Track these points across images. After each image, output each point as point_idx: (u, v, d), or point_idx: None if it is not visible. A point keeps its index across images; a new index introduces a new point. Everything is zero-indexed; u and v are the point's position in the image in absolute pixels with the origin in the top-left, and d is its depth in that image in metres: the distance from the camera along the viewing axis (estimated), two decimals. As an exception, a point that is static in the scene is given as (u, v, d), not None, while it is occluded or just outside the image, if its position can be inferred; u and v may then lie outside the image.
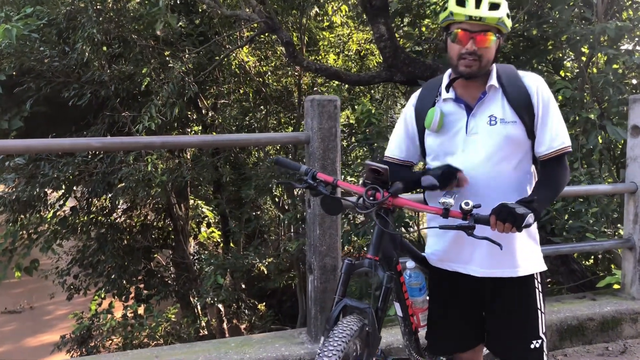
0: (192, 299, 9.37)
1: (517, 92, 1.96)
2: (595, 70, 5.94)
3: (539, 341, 2.02)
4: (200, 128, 9.08)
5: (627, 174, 3.87)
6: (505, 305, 2.04)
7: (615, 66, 5.61)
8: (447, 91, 2.02)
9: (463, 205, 1.79)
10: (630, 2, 5.79)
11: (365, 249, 7.83)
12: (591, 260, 5.85)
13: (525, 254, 2.02)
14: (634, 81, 5.89)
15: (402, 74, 5.51)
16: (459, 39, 1.89)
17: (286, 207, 9.36)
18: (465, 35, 1.87)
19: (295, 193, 8.42)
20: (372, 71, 7.92)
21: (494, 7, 1.84)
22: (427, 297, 2.22)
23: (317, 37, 8.37)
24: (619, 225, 5.63)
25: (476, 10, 1.83)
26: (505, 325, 2.05)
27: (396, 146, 2.20)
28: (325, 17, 8.46)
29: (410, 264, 2.18)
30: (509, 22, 1.89)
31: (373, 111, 5.53)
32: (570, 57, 6.74)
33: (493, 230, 1.79)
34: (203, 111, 8.85)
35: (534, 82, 1.98)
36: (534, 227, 2.05)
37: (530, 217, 1.72)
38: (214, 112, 8.61)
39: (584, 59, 5.80)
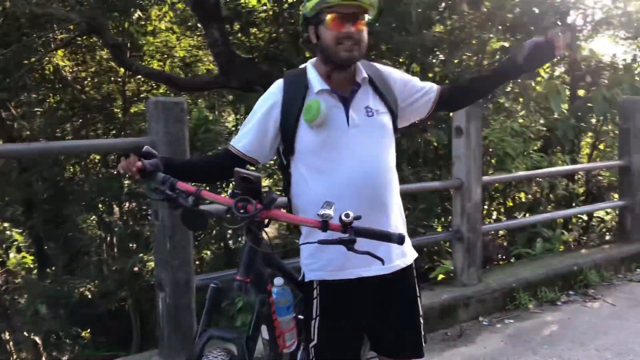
0: (2, 335, 8.23)
1: (382, 84, 1.98)
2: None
3: (422, 324, 2.04)
4: (1, 142, 8.02)
5: (454, 171, 4.21)
6: (399, 296, 2.00)
7: (430, 75, 6.16)
8: (319, 84, 1.92)
9: (343, 217, 1.64)
10: (439, 16, 6.38)
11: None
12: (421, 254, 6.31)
13: (408, 241, 1.99)
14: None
15: (238, 80, 5.42)
16: (336, 22, 1.81)
17: (112, 224, 8.67)
18: (342, 18, 1.81)
19: (128, 207, 7.84)
20: (204, 77, 7.69)
21: None
22: (293, 316, 1.96)
23: (141, 42, 7.91)
24: (442, 219, 6.16)
25: None
26: (402, 316, 2.01)
27: (249, 140, 1.96)
28: (148, 22, 8.03)
29: (278, 280, 1.90)
30: (376, 5, 1.86)
31: (210, 117, 5.35)
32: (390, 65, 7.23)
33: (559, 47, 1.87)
34: (8, 122, 7.86)
35: (390, 72, 2.04)
36: (403, 215, 2.06)
37: None
38: (24, 122, 7.68)
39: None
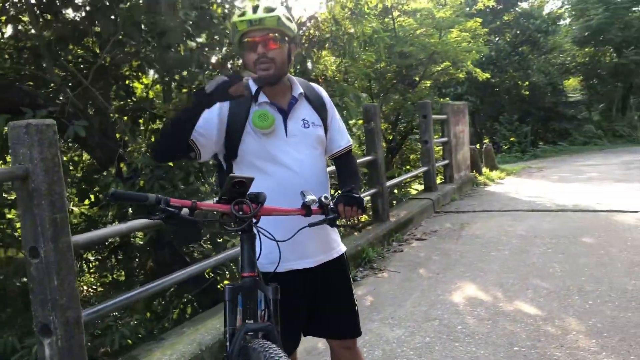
0: None
1: (316, 99, 2.29)
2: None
3: (356, 307, 2.40)
4: None
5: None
6: (334, 285, 2.30)
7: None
8: (257, 97, 2.14)
9: (323, 199, 1.99)
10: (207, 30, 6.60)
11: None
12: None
13: (337, 236, 2.35)
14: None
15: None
16: (249, 46, 2.07)
17: None
18: (254, 41, 2.06)
19: None
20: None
21: (269, 10, 2.07)
22: None
23: None
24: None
25: (254, 15, 2.04)
26: (337, 302, 2.31)
27: (199, 128, 2.04)
28: None
29: None
30: (292, 25, 2.14)
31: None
32: (142, 81, 7.21)
33: (343, 217, 2.07)
34: None
35: (323, 92, 2.37)
36: None
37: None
38: None
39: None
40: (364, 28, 8.05)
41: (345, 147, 2.38)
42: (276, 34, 2.07)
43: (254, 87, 2.17)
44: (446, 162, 9.51)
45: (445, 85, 18.66)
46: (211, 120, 2.09)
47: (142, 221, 3.27)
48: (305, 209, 1.98)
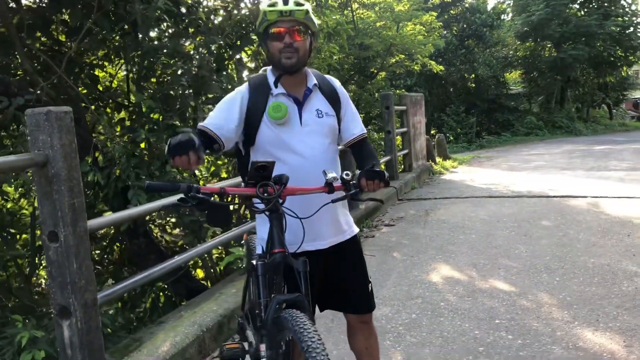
0: None
1: (329, 90, 2.42)
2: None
3: (370, 284, 2.57)
4: None
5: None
6: (348, 264, 2.44)
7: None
8: (276, 87, 2.28)
9: (344, 176, 2.10)
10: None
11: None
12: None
13: (349, 218, 2.50)
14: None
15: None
16: (277, 35, 2.20)
17: None
18: (281, 31, 2.20)
19: None
20: None
21: (299, 4, 2.21)
22: None
23: None
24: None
25: (285, 6, 2.18)
26: (353, 280, 2.45)
27: (219, 121, 2.22)
28: None
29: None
30: (316, 20, 2.31)
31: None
32: (107, 70, 7.14)
33: (365, 190, 2.22)
34: None
35: (337, 82, 2.50)
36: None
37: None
38: None
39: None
40: (329, 20, 8.21)
41: (359, 135, 2.50)
42: (301, 27, 2.22)
43: (272, 77, 2.30)
44: (406, 151, 9.84)
45: (395, 77, 19.10)
46: (232, 113, 2.25)
47: (152, 204, 3.34)
48: (328, 187, 2.11)
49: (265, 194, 1.99)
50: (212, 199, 1.98)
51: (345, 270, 2.45)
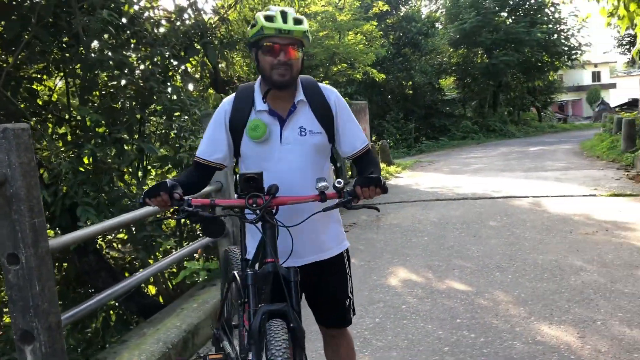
0: None
1: (320, 105, 2.32)
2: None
3: (349, 300, 2.48)
4: None
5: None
6: (326, 279, 2.39)
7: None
8: (263, 101, 2.22)
9: (336, 184, 2.06)
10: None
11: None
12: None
13: (333, 237, 2.41)
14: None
15: None
16: (269, 49, 2.14)
17: None
18: (277, 47, 2.13)
19: None
20: None
21: (298, 22, 2.15)
22: None
23: None
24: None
25: (284, 25, 2.12)
26: (326, 297, 2.42)
27: (209, 148, 2.25)
28: None
29: None
30: (310, 38, 2.25)
31: None
32: (45, 84, 6.91)
33: (361, 198, 2.14)
34: None
35: (332, 95, 2.37)
36: (337, 212, 2.43)
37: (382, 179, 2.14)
38: None
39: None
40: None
41: (360, 149, 2.39)
42: (297, 44, 2.16)
43: (258, 92, 2.25)
44: (352, 158, 9.96)
45: (337, 86, 19.32)
46: (219, 135, 2.25)
47: (115, 219, 3.24)
48: (321, 195, 2.06)
49: (254, 205, 1.98)
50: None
51: (321, 287, 2.41)
